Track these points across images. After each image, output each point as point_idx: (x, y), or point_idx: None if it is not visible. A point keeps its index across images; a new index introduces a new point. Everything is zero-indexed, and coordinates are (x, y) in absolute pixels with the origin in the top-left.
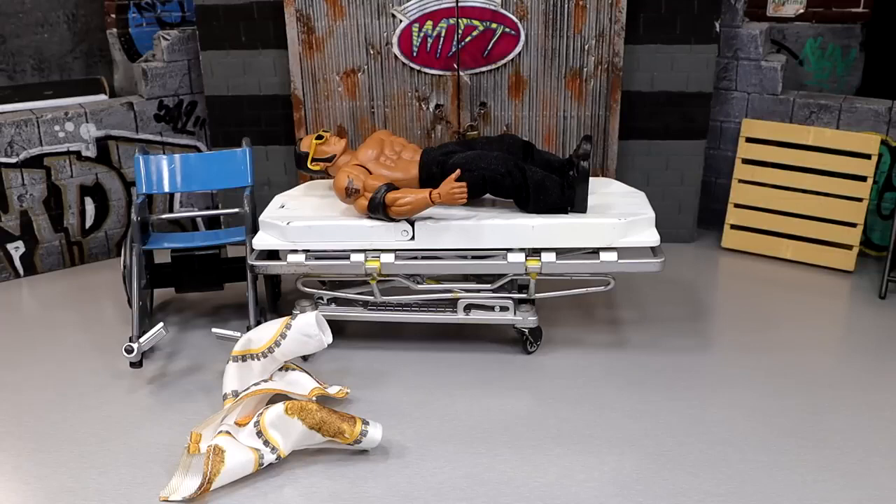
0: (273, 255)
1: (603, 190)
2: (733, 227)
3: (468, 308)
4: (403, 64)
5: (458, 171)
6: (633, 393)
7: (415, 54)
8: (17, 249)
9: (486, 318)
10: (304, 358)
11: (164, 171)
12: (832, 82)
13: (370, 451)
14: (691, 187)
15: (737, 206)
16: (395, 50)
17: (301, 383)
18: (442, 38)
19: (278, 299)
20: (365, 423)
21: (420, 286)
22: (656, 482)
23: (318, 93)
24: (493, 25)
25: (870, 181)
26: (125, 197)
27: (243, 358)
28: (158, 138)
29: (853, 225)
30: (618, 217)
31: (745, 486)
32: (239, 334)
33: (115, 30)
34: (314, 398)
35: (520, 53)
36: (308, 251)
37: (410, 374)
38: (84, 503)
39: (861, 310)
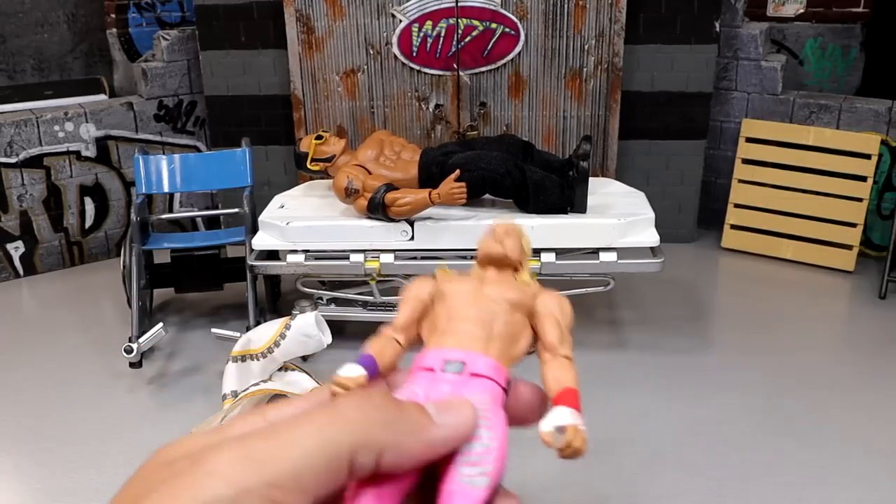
0: (273, 255)
1: (603, 190)
2: (733, 227)
3: None
4: (403, 64)
5: (457, 172)
6: (633, 393)
7: (414, 54)
8: (16, 249)
9: None
10: (304, 358)
11: (163, 171)
12: (832, 82)
13: None
14: (691, 187)
15: (737, 206)
16: (395, 50)
17: (300, 383)
18: (442, 38)
19: (278, 299)
20: None
21: None
22: (656, 482)
23: (318, 93)
24: (493, 25)
25: (870, 181)
26: (125, 197)
27: (242, 358)
28: (158, 138)
29: (853, 225)
30: (617, 217)
31: (745, 486)
32: (238, 334)
33: (114, 30)
34: None
35: (519, 53)
36: (308, 251)
37: None
38: (84, 503)
39: (861, 310)
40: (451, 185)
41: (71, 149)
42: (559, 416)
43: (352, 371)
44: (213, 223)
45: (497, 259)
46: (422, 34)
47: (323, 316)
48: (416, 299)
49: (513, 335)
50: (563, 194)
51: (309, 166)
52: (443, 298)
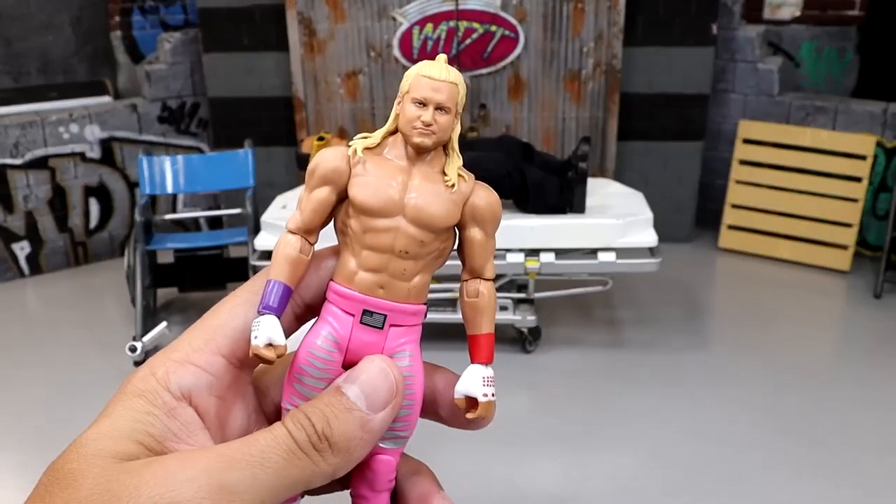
0: None
1: (601, 191)
2: (730, 227)
3: None
4: (404, 66)
5: None
6: (631, 392)
7: (415, 56)
8: (22, 249)
9: None
10: None
11: (167, 172)
12: (828, 84)
13: None
14: (689, 188)
15: (734, 206)
16: (396, 52)
17: None
18: (442, 41)
19: None
20: None
21: None
22: (655, 482)
23: (320, 95)
24: (493, 28)
25: (865, 182)
26: (129, 198)
27: None
28: (161, 139)
29: (849, 225)
30: (616, 217)
31: (743, 485)
32: None
33: (118, 32)
34: None
35: (519, 56)
36: None
37: None
38: None
39: (856, 309)
40: None
41: (76, 150)
42: (472, 384)
43: (269, 330)
44: (215, 223)
45: (422, 148)
46: (422, 36)
47: None
48: (322, 204)
49: (438, 255)
50: (563, 195)
51: None
52: (356, 208)
